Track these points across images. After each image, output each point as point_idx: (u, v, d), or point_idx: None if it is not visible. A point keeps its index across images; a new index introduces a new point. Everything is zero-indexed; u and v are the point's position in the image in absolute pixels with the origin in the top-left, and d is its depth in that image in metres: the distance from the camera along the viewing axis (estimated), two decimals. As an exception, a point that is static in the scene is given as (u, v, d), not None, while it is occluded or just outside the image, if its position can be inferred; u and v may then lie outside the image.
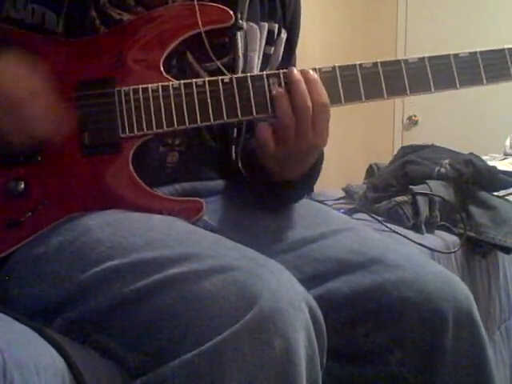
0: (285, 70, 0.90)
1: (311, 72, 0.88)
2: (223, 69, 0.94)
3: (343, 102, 0.90)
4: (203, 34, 0.90)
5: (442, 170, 1.78)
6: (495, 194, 1.83)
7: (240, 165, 0.99)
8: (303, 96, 0.86)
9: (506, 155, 2.50)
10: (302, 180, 0.94)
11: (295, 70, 0.88)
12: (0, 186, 0.85)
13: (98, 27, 0.90)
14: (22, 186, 0.85)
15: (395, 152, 2.07)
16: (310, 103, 0.86)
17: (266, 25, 1.01)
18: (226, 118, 0.89)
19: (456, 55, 0.93)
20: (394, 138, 3.64)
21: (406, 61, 0.92)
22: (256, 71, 1.00)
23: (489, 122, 3.25)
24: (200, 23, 0.89)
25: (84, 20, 0.89)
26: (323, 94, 0.87)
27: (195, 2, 0.89)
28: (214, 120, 0.88)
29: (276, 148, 0.88)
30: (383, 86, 0.91)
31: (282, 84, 0.88)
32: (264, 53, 1.02)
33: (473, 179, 1.78)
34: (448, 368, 0.87)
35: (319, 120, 0.87)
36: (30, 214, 0.85)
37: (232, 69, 0.96)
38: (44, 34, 0.88)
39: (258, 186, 0.97)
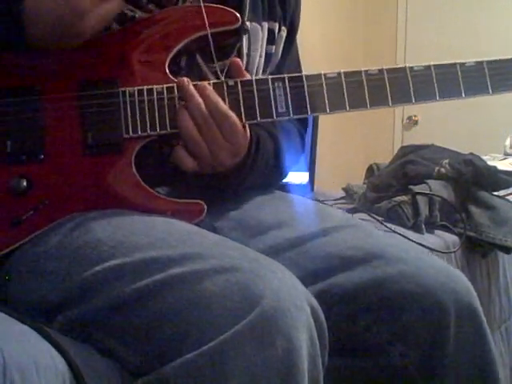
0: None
1: (204, 84, 0.88)
2: (219, 74, 0.94)
3: (348, 108, 0.90)
4: (209, 36, 0.90)
5: (442, 169, 1.78)
6: (495, 193, 1.82)
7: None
8: (199, 108, 0.86)
9: (506, 155, 2.50)
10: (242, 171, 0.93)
11: (185, 84, 0.87)
12: (2, 184, 0.85)
13: (110, 23, 0.89)
14: (24, 184, 0.85)
15: (395, 152, 2.07)
16: (206, 114, 0.86)
17: (266, 24, 1.01)
18: None
19: (462, 64, 0.93)
20: (394, 138, 3.64)
21: (411, 68, 0.92)
22: (256, 70, 1.00)
23: (489, 122, 3.25)
24: (207, 25, 0.89)
25: None
26: (219, 103, 0.87)
27: (201, 4, 0.89)
28: None
29: (198, 166, 0.88)
30: (388, 93, 0.91)
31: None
32: (266, 52, 1.02)
33: (473, 179, 1.77)
34: (450, 360, 0.87)
35: (227, 129, 0.87)
36: (31, 212, 0.85)
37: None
38: None
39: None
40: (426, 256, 0.95)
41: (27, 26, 0.79)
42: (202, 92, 0.87)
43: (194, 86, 0.87)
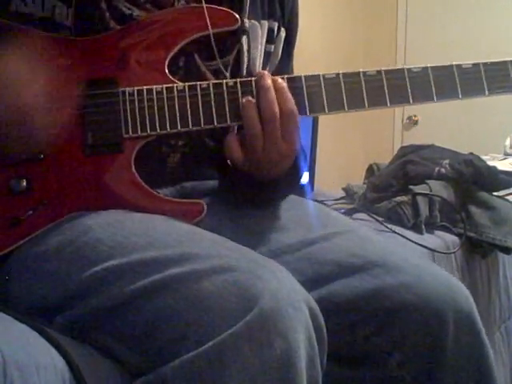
0: (256, 75, 0.89)
1: (279, 80, 0.88)
2: (223, 70, 0.94)
3: (346, 109, 0.91)
4: (211, 36, 0.90)
5: (442, 169, 1.78)
6: (495, 193, 1.82)
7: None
8: (271, 103, 0.86)
9: (506, 155, 2.50)
10: (279, 181, 0.93)
11: (265, 76, 0.88)
12: (1, 183, 0.85)
13: (107, 21, 0.90)
14: (24, 184, 0.85)
15: (395, 152, 2.07)
16: (277, 111, 0.86)
17: (266, 23, 1.02)
18: (229, 122, 0.89)
19: (459, 66, 0.93)
20: (394, 137, 3.64)
21: (409, 70, 0.92)
22: (258, 69, 1.00)
23: (489, 122, 3.25)
24: (209, 25, 0.89)
25: (94, 13, 0.89)
26: (290, 102, 0.87)
27: (203, 5, 0.90)
28: (217, 123, 0.88)
29: (245, 157, 0.88)
30: (386, 94, 0.91)
31: (254, 92, 0.88)
32: (265, 51, 1.02)
33: (473, 179, 1.77)
34: (448, 371, 0.87)
35: (288, 128, 0.87)
36: (30, 212, 0.85)
37: (236, 67, 0.96)
38: (53, 27, 0.88)
39: (237, 185, 0.96)
40: (426, 264, 0.95)
41: None
42: (275, 87, 0.87)
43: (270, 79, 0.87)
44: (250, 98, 0.87)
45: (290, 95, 0.87)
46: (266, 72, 0.89)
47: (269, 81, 0.87)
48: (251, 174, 0.92)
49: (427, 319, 0.86)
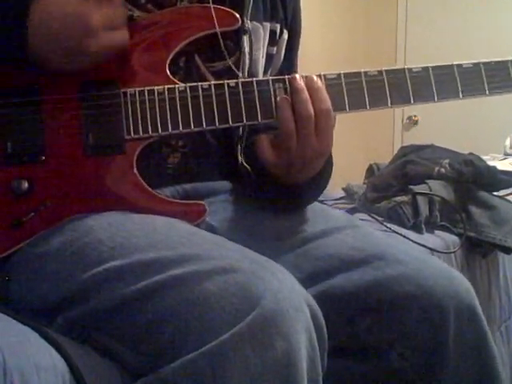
0: (290, 76, 0.90)
1: (315, 79, 0.88)
2: (234, 68, 0.94)
3: (348, 109, 0.91)
4: (219, 35, 0.90)
5: (442, 169, 1.78)
6: (495, 193, 1.83)
7: (247, 167, 0.99)
8: (305, 104, 0.86)
9: (506, 155, 2.50)
10: (309, 185, 0.93)
11: (298, 77, 0.88)
12: (3, 185, 0.85)
13: None
14: (26, 185, 0.85)
15: (395, 152, 2.07)
16: (311, 111, 0.86)
17: (268, 25, 1.02)
18: (231, 123, 0.88)
19: (459, 65, 0.93)
20: (394, 138, 3.64)
21: (410, 70, 0.92)
22: (261, 70, 1.00)
23: (489, 122, 3.25)
24: (216, 24, 0.89)
25: None
26: (326, 101, 0.87)
27: (210, 4, 0.90)
28: (219, 124, 0.88)
29: (278, 157, 0.88)
30: (388, 94, 0.91)
31: (288, 90, 0.88)
32: (267, 53, 1.02)
33: (473, 179, 1.77)
34: (450, 362, 0.87)
35: (322, 127, 0.86)
36: (32, 214, 0.85)
37: (238, 68, 0.96)
38: None
39: (265, 189, 0.96)
40: (427, 257, 0.96)
41: (32, 42, 0.78)
42: (310, 86, 0.87)
43: (304, 78, 0.88)
44: (283, 96, 0.87)
45: (325, 95, 0.87)
46: (297, 74, 0.88)
47: (300, 81, 0.87)
48: (279, 178, 0.91)
49: (428, 311, 0.86)
